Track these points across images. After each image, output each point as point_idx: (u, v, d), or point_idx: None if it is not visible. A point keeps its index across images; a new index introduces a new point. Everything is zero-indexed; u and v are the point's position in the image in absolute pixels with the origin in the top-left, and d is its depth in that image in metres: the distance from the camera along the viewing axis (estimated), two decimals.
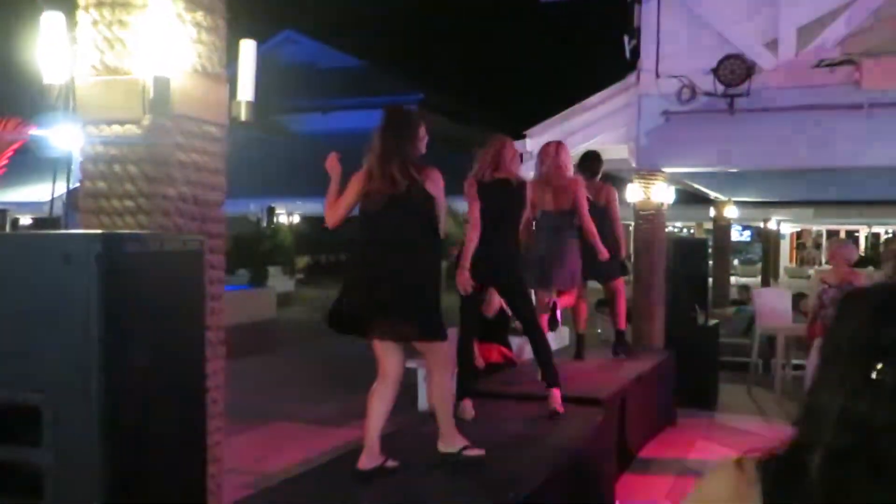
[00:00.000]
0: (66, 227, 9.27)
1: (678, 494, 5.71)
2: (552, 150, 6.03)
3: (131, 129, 2.33)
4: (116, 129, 2.35)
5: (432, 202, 3.72)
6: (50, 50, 2.43)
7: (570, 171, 6.10)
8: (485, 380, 6.10)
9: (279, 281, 19.11)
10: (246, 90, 2.57)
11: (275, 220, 20.95)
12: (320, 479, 3.87)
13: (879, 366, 1.06)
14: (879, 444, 1.04)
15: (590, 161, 7.02)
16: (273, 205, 20.16)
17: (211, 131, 2.48)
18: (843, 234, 27.77)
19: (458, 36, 30.44)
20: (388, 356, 3.85)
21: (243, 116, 2.57)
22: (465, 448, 3.91)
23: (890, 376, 1.05)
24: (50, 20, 2.44)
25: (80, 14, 2.38)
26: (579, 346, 6.99)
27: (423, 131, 3.86)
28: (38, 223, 19.41)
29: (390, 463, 3.83)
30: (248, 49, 2.59)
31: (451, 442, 3.92)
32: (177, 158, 2.36)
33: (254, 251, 18.21)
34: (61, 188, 7.73)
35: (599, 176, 7.03)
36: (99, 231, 1.66)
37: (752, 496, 1.10)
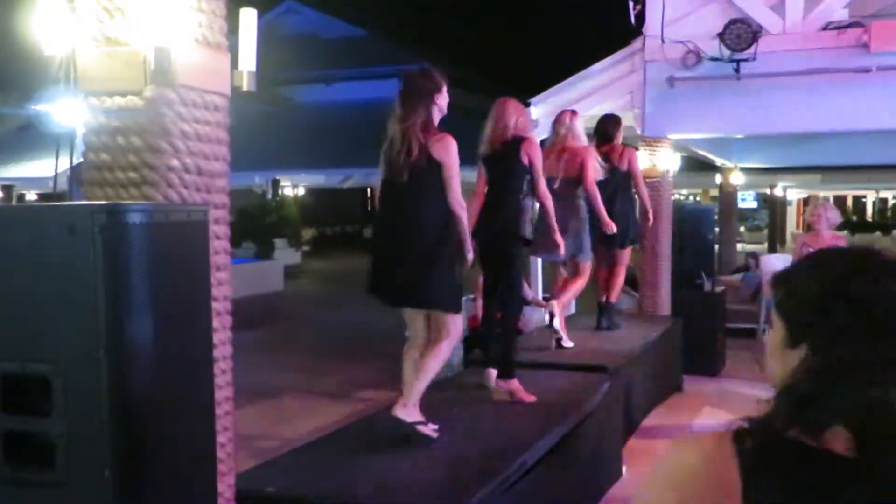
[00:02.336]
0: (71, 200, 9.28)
1: None
2: (566, 119, 6.03)
3: (133, 101, 2.32)
4: (118, 100, 2.33)
5: (439, 169, 3.68)
6: (49, 21, 2.41)
7: (584, 139, 6.08)
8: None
9: (285, 253, 19.15)
10: (248, 60, 2.55)
11: (280, 192, 20.92)
12: (326, 448, 3.91)
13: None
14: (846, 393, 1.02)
15: (605, 124, 6.97)
16: (278, 177, 20.11)
17: (213, 101, 2.47)
18: (850, 200, 27.63)
19: (460, 3, 30.15)
20: (413, 321, 3.96)
21: (245, 86, 2.56)
22: (419, 423, 3.85)
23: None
24: None
25: None
26: (605, 315, 6.93)
27: (439, 94, 3.78)
28: (44, 199, 19.45)
29: (424, 429, 3.84)
30: (248, 18, 2.56)
31: (412, 413, 3.85)
32: (180, 129, 2.34)
33: (259, 224, 18.23)
34: (65, 164, 7.73)
35: (619, 140, 6.99)
36: (103, 202, 1.66)
37: (729, 470, 1.08)
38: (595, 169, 5.99)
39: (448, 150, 3.68)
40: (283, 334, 11.35)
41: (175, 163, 2.33)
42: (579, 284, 6.11)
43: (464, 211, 3.84)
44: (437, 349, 3.85)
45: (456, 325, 3.88)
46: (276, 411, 6.98)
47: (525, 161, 4.71)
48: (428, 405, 3.98)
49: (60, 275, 1.64)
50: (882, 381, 1.02)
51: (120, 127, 2.33)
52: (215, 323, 2.33)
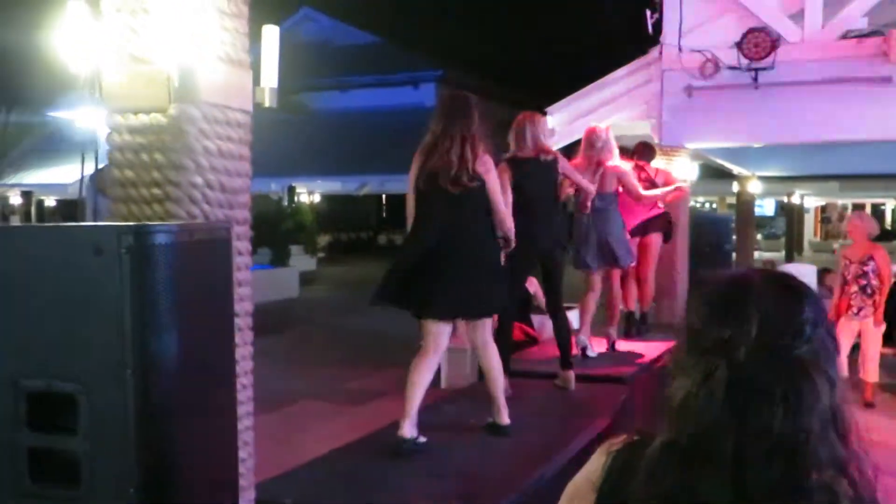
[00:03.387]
0: (92, 210, 9.36)
1: None
2: (604, 134, 6.10)
3: (157, 118, 2.34)
4: (143, 118, 2.36)
5: (483, 185, 3.91)
6: (75, 39, 2.44)
7: (616, 154, 6.21)
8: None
9: (301, 260, 19.22)
10: (270, 76, 2.57)
11: (296, 199, 21.00)
12: (343, 459, 3.92)
13: (715, 361, 1.04)
14: (710, 440, 1.02)
15: (647, 149, 7.25)
16: (294, 184, 20.20)
17: (236, 118, 2.49)
18: (868, 208, 27.42)
19: (477, 11, 30.19)
20: (443, 333, 4.06)
21: (267, 102, 2.58)
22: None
23: (721, 372, 1.03)
24: (75, 8, 2.45)
25: (103, 2, 2.38)
26: (638, 323, 7.14)
27: (475, 116, 4.03)
28: (62, 205, 19.63)
29: (421, 438, 3.93)
30: (271, 35, 2.58)
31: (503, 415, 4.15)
32: (203, 146, 2.36)
33: (275, 230, 18.29)
34: (85, 170, 7.79)
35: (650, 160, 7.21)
36: (130, 223, 1.67)
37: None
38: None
39: (489, 169, 3.97)
40: (299, 341, 11.37)
41: (198, 179, 2.35)
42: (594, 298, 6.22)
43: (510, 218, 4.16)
44: (491, 351, 4.11)
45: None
46: (292, 418, 6.99)
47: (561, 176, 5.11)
48: (446, 416, 3.99)
49: (87, 295, 1.65)
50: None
51: (144, 144, 2.36)
52: (237, 338, 2.34)
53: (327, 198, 25.51)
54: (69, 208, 19.20)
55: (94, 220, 8.08)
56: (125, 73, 2.36)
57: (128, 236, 1.62)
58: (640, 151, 7.21)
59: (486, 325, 4.15)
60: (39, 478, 1.77)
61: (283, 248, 18.37)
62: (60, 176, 15.79)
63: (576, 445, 4.20)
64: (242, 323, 2.47)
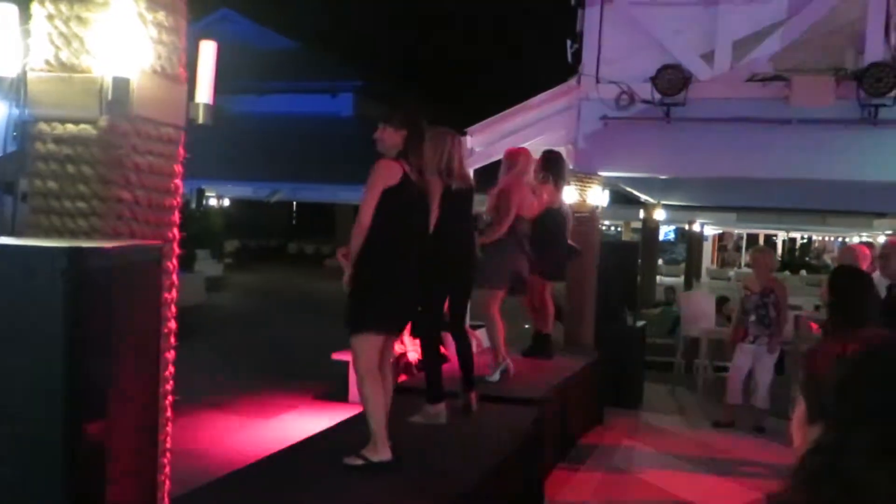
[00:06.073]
0: None
1: (605, 491, 5.89)
2: (532, 159, 6.27)
3: (86, 129, 2.27)
4: (70, 128, 2.28)
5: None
6: (1, 41, 2.34)
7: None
8: (420, 378, 6.15)
9: (207, 265, 18.75)
10: (204, 92, 2.54)
11: (205, 202, 20.50)
12: (251, 478, 3.85)
13: None
14: None
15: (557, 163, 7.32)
16: (203, 187, 19.71)
17: (168, 133, 2.44)
18: (762, 238, 28.75)
19: (399, 23, 30.23)
20: (389, 348, 4.11)
21: (201, 119, 2.54)
22: None
23: None
24: (1, 10, 2.35)
25: (34, 7, 2.30)
26: (545, 345, 7.19)
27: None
28: None
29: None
30: (207, 51, 2.55)
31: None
32: (133, 161, 2.30)
33: (182, 234, 17.77)
34: None
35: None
36: (64, 245, 1.62)
37: None
38: None
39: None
40: (205, 348, 11.09)
41: (126, 195, 2.29)
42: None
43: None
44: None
45: None
46: (202, 429, 6.81)
47: None
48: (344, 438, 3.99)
49: (16, 317, 1.59)
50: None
51: (71, 155, 2.28)
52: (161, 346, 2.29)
53: (237, 203, 24.99)
54: None
55: None
56: (55, 81, 2.28)
57: (62, 258, 1.57)
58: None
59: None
60: None
61: (190, 251, 17.88)
62: None
63: (482, 467, 4.26)
64: (165, 343, 2.42)
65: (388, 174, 3.81)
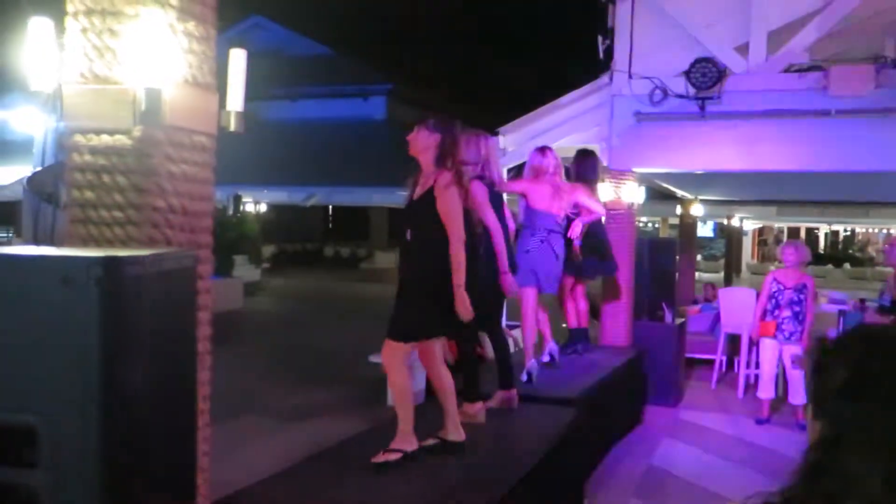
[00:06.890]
0: (32, 216, 9.08)
1: (645, 491, 5.83)
2: (557, 157, 6.29)
3: (121, 140, 2.31)
4: (105, 139, 2.32)
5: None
6: (37, 56, 2.40)
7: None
8: (457, 377, 6.15)
9: (245, 270, 18.95)
10: (236, 100, 2.56)
11: (241, 208, 20.73)
12: (293, 479, 3.88)
13: None
14: None
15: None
16: (240, 192, 19.94)
17: (201, 141, 2.47)
18: (803, 232, 28.26)
19: (429, 26, 30.32)
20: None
21: (232, 127, 2.56)
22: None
23: None
24: (38, 25, 2.41)
25: (68, 21, 2.35)
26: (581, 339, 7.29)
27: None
28: None
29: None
30: (238, 59, 2.57)
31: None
32: (167, 170, 2.34)
33: (219, 240, 17.95)
34: (24, 172, 7.56)
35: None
36: (99, 254, 1.64)
37: None
38: None
39: (440, 188, 3.97)
40: (245, 353, 11.21)
41: (161, 203, 2.33)
42: None
43: None
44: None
45: None
46: (242, 434, 6.87)
47: None
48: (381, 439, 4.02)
49: (52, 325, 1.62)
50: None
51: (106, 166, 2.32)
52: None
53: (274, 208, 25.24)
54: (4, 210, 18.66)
55: (35, 229, 7.82)
56: (89, 93, 2.32)
57: (97, 267, 1.59)
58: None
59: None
60: None
61: (228, 257, 18.09)
62: None
63: (522, 467, 4.25)
64: (202, 347, 2.45)
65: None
